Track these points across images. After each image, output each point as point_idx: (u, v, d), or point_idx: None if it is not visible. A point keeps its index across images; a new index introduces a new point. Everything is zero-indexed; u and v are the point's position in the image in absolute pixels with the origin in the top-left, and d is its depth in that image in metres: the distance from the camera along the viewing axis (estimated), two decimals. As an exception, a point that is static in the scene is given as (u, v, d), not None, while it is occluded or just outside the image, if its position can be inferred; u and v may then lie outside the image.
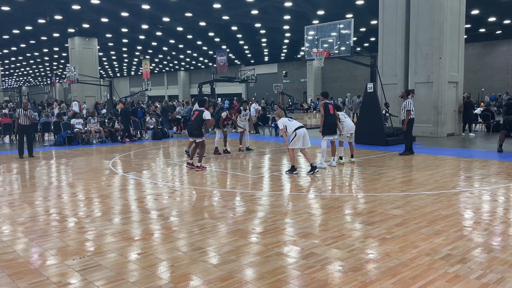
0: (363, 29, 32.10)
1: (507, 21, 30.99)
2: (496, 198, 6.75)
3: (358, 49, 16.20)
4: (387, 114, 15.70)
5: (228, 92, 59.79)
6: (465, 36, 18.34)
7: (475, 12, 26.23)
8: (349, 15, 25.93)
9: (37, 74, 72.24)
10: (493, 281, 3.66)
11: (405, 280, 3.73)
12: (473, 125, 18.49)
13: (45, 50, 43.40)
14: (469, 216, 5.75)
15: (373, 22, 27.42)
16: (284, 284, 3.70)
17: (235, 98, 47.90)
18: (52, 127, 17.51)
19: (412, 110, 11.56)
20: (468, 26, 28.75)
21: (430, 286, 3.59)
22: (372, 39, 35.69)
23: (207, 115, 9.86)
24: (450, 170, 9.31)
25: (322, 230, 5.23)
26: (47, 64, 57.45)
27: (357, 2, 24.23)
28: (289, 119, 9.21)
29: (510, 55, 39.71)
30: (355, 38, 15.02)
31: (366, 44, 39.48)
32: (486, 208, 6.20)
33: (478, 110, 20.10)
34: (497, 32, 35.33)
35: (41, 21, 28.00)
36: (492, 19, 30.01)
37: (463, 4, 16.77)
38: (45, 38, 35.57)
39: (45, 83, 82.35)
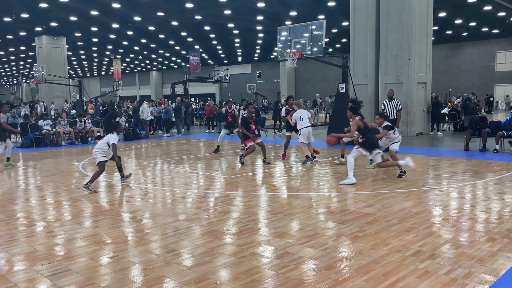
0: (335, 30, 32.52)
1: (472, 24, 32.04)
2: (464, 195, 6.96)
3: (330, 50, 16.45)
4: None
5: (201, 92, 59.44)
6: (433, 38, 18.85)
7: (442, 14, 26.99)
8: (321, 16, 26.23)
9: (3, 73, 69.88)
10: (461, 276, 3.78)
11: (377, 277, 3.80)
12: (441, 124, 19.03)
13: (11, 49, 42.04)
14: (438, 213, 5.91)
15: (345, 23, 27.82)
16: (259, 284, 3.71)
17: (208, 98, 47.62)
18: (18, 129, 16.95)
19: (385, 110, 11.84)
20: (436, 28, 29.59)
21: (401, 282, 3.67)
22: (344, 40, 36.21)
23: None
24: (420, 168, 9.53)
25: (296, 229, 5.26)
26: (13, 63, 55.65)
27: (329, 4, 24.53)
28: (301, 117, 10.14)
29: (476, 57, 41.10)
30: (327, 39, 15.20)
31: (338, 45, 40.02)
32: (454, 205, 6.39)
33: (445, 110, 20.68)
34: (463, 34, 36.47)
35: (7, 19, 27.10)
36: (458, 21, 30.97)
37: (431, 6, 17.23)
38: (11, 36, 34.46)
39: (11, 83, 79.74)
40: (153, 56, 50.64)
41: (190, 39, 37.45)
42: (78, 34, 33.80)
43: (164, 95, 59.02)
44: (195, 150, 13.74)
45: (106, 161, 8.01)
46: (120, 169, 8.48)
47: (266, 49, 44.47)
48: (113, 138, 7.98)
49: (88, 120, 17.82)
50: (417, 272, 3.88)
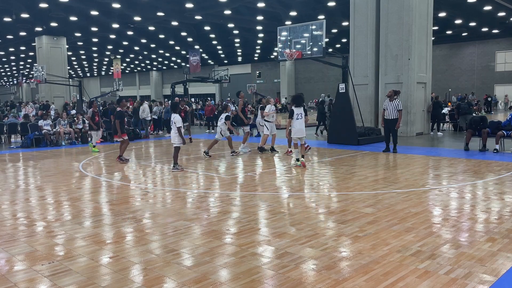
0: (334, 30, 32.51)
1: (472, 24, 32.04)
2: (463, 195, 6.96)
3: (330, 50, 16.44)
4: None
5: (201, 92, 59.46)
6: (433, 38, 18.84)
7: (442, 14, 26.99)
8: (321, 17, 26.25)
9: (3, 73, 69.92)
10: (461, 276, 3.78)
11: (377, 277, 3.80)
12: (441, 124, 19.02)
13: (11, 49, 42.06)
14: (438, 213, 5.91)
15: (345, 23, 27.83)
16: (258, 284, 3.71)
17: (208, 98, 47.63)
18: (19, 129, 16.98)
19: (386, 110, 11.84)
20: (436, 28, 29.58)
21: (401, 282, 3.67)
22: (344, 40, 36.22)
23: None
24: (420, 168, 9.54)
25: (296, 229, 5.26)
26: (13, 63, 55.69)
27: (329, 4, 24.53)
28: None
29: (476, 57, 41.09)
30: (327, 39, 15.20)
31: (338, 45, 40.02)
32: (454, 205, 6.39)
33: (445, 110, 20.68)
34: (463, 34, 36.48)
35: (7, 19, 27.11)
36: (458, 21, 30.97)
37: (431, 6, 17.23)
38: (11, 36, 34.47)
39: (11, 83, 79.81)
40: (153, 56, 50.63)
41: (190, 39, 37.44)
42: (78, 34, 33.80)
43: (164, 95, 59.08)
44: (195, 150, 13.74)
45: (180, 146, 9.64)
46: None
47: (266, 49, 44.47)
48: (177, 120, 9.36)
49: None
50: (417, 272, 3.88)
